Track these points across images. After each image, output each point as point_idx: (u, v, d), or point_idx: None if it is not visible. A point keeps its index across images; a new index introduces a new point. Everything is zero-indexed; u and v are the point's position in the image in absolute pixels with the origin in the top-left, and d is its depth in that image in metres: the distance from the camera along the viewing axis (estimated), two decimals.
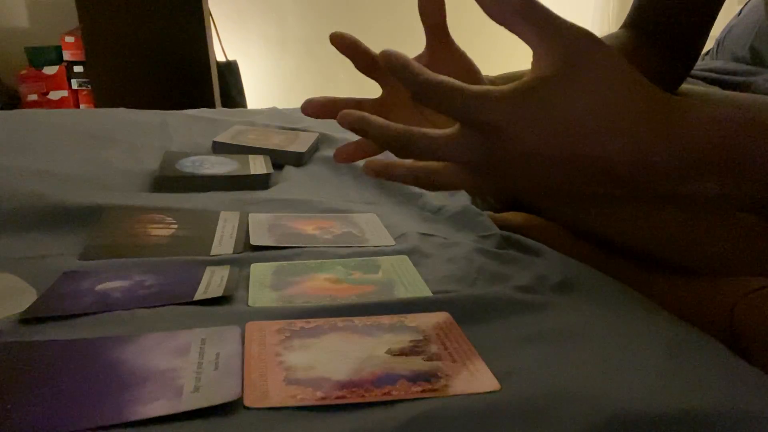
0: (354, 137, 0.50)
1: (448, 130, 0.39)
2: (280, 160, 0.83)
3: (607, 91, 0.36)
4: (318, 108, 0.52)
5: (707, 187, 0.37)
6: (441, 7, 0.51)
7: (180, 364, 0.37)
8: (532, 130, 0.36)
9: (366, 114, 0.40)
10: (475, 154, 0.38)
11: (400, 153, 0.39)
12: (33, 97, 2.78)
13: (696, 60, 0.75)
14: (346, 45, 0.52)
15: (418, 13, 0.51)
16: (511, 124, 0.36)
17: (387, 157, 0.46)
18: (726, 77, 0.89)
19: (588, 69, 0.36)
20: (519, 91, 0.36)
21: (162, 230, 0.59)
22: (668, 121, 0.36)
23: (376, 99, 0.56)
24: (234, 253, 0.56)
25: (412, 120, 0.54)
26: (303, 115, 0.52)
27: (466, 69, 0.53)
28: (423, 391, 0.35)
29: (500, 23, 0.38)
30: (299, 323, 0.43)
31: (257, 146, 0.86)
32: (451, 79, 0.37)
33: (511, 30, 0.38)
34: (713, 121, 0.36)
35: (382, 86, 0.56)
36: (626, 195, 0.39)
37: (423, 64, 0.53)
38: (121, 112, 1.05)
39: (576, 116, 0.36)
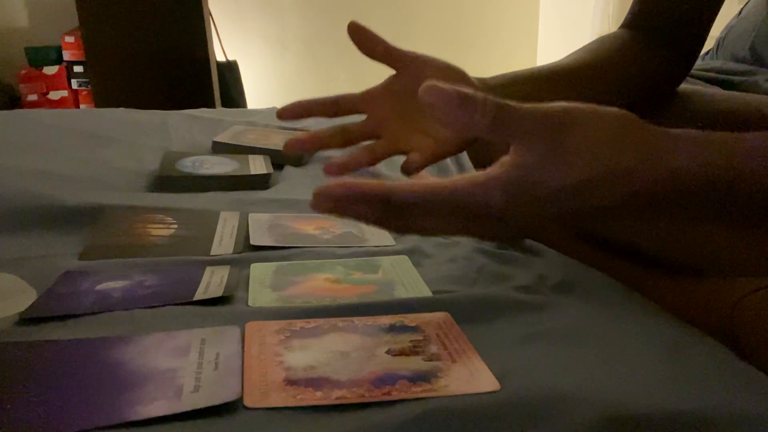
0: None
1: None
2: (280, 160, 0.83)
3: (592, 156, 0.36)
4: (292, 113, 0.53)
5: (704, 211, 0.38)
6: (372, 37, 0.52)
7: (180, 364, 0.37)
8: (529, 209, 0.37)
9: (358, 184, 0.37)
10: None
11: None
12: (33, 97, 2.78)
13: (696, 60, 0.75)
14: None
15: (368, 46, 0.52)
16: (508, 209, 0.37)
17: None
18: (726, 77, 0.89)
19: (570, 142, 0.36)
20: (510, 181, 0.36)
21: (162, 230, 0.59)
22: (660, 162, 0.37)
23: (360, 94, 0.56)
24: (234, 253, 0.56)
25: (396, 117, 0.54)
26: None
27: (444, 74, 0.53)
28: (423, 391, 0.35)
29: (471, 135, 0.38)
30: (299, 323, 0.43)
31: (257, 146, 0.86)
32: (439, 182, 0.37)
33: (486, 138, 0.38)
34: (712, 144, 0.37)
35: (398, 70, 0.55)
36: (634, 218, 0.40)
37: (397, 89, 0.54)
38: (121, 112, 1.05)
39: (571, 185, 0.36)
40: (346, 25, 0.53)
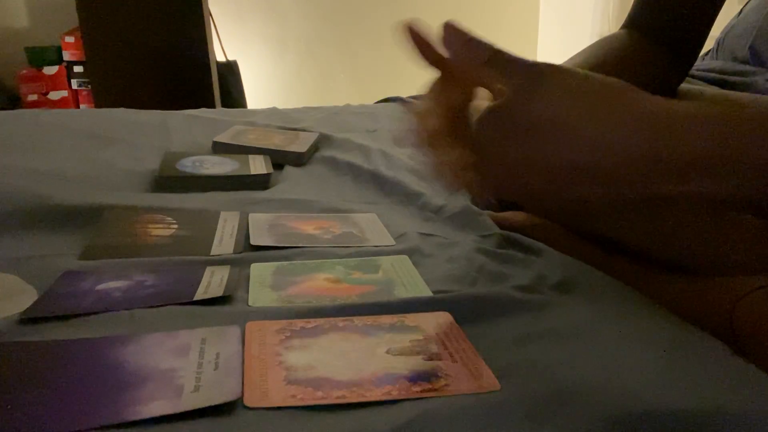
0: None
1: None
2: (280, 160, 0.83)
3: (569, 101, 0.38)
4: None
5: (701, 187, 0.37)
6: (428, 41, 0.48)
7: (180, 364, 0.37)
8: (503, 143, 0.41)
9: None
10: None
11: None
12: (33, 97, 2.78)
13: (696, 60, 0.75)
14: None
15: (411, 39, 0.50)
16: (486, 143, 0.41)
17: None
18: (726, 77, 0.89)
19: (548, 84, 0.39)
20: (492, 111, 0.41)
21: (162, 230, 0.59)
22: (648, 122, 0.36)
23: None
24: (234, 253, 0.56)
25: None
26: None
27: None
28: (423, 391, 0.35)
29: (467, 72, 0.44)
30: (299, 323, 0.43)
31: (257, 146, 0.86)
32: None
33: (476, 77, 0.44)
34: (706, 119, 0.36)
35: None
36: (610, 198, 0.39)
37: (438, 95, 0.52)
38: (121, 112, 1.05)
39: (540, 125, 0.39)
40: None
